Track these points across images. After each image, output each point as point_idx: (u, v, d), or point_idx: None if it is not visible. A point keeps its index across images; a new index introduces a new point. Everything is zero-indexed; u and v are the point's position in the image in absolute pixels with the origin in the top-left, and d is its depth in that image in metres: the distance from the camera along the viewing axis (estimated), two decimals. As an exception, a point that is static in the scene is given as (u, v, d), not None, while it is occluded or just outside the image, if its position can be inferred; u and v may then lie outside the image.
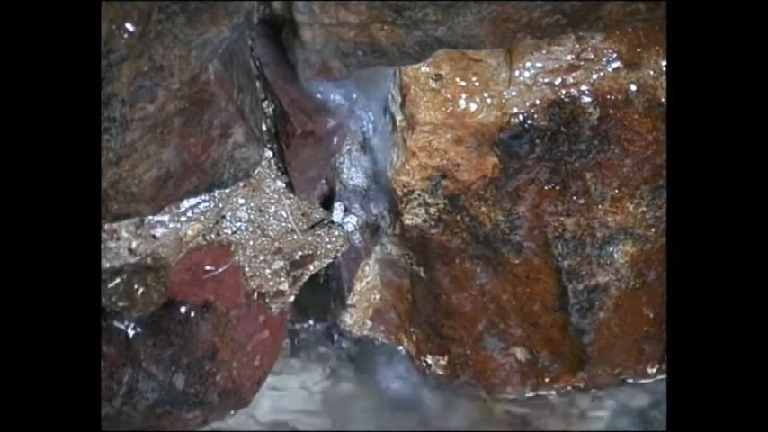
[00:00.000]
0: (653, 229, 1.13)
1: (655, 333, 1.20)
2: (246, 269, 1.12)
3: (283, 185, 1.11)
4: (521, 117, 1.06)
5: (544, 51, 1.05)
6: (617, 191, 1.10)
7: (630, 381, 1.24)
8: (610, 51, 1.05)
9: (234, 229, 1.10)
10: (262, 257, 1.12)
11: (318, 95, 1.07)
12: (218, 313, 1.12)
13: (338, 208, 1.15)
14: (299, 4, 0.94)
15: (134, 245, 1.06)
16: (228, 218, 1.10)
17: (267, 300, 1.14)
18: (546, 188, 1.10)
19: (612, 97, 1.06)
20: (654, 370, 1.24)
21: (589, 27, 1.01)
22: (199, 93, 0.95)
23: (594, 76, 1.06)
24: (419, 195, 1.10)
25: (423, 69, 1.05)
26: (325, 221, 1.14)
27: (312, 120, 1.06)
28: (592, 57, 1.05)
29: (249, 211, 1.10)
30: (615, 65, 1.06)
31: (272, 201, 1.11)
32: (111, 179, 0.95)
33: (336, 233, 1.13)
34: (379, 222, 1.15)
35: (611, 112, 1.07)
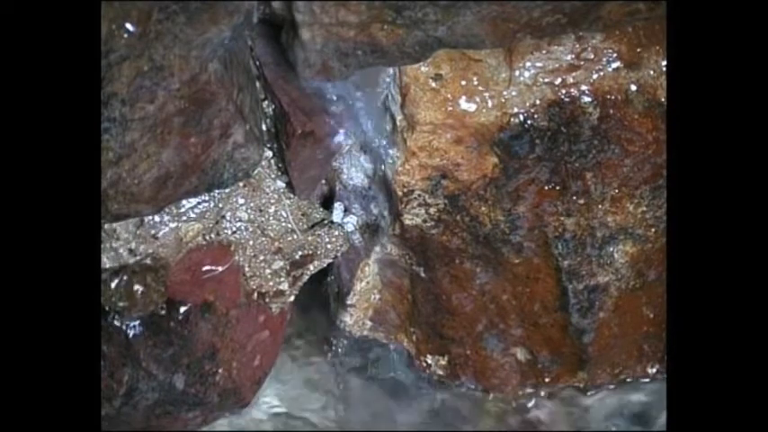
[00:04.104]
0: (653, 229, 1.13)
1: (655, 333, 1.20)
2: (246, 269, 1.12)
3: (283, 185, 1.11)
4: (521, 117, 1.06)
5: (544, 51, 1.05)
6: (617, 191, 1.10)
7: (630, 381, 1.24)
8: (610, 51, 1.05)
9: (234, 229, 1.10)
10: (262, 257, 1.12)
11: (318, 95, 1.07)
12: (218, 313, 1.12)
13: (338, 208, 1.15)
14: (299, 4, 0.94)
15: (134, 245, 1.06)
16: (228, 218, 1.10)
17: (267, 300, 1.14)
18: (546, 188, 1.10)
19: (612, 97, 1.06)
20: (654, 370, 1.24)
21: (589, 27, 1.01)
22: (199, 93, 0.95)
23: (594, 76, 1.06)
24: (419, 195, 1.10)
25: (423, 69, 1.05)
26: (326, 221, 1.14)
27: (312, 120, 1.06)
28: (592, 57, 1.05)
29: (249, 211, 1.10)
30: (615, 65, 1.06)
31: (272, 201, 1.11)
32: (111, 179, 0.95)
33: (336, 233, 1.13)
34: (379, 222, 1.15)
35: (611, 111, 1.07)
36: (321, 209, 1.14)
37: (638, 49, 1.06)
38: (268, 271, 1.13)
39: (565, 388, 1.24)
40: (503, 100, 1.06)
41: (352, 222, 1.16)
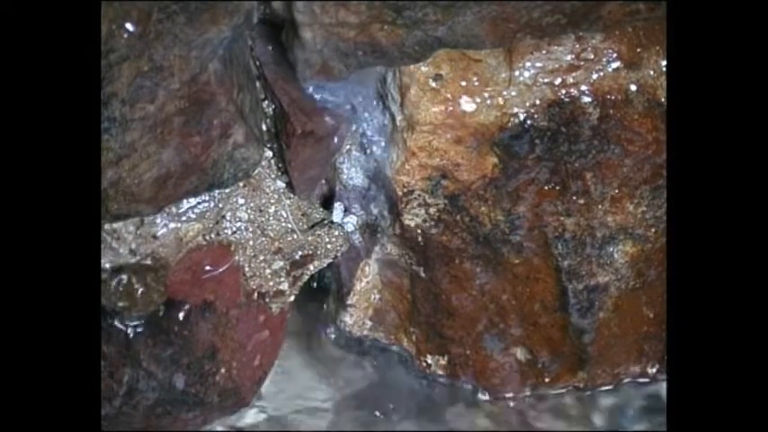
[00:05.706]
0: (653, 229, 1.13)
1: (655, 333, 1.20)
2: (246, 269, 1.12)
3: (283, 185, 1.11)
4: (521, 117, 1.06)
5: (544, 51, 1.05)
6: (617, 191, 1.10)
7: (630, 381, 1.24)
8: (610, 51, 1.05)
9: (234, 229, 1.10)
10: (262, 257, 1.12)
11: (318, 95, 1.07)
12: (218, 313, 1.12)
13: (338, 208, 1.15)
14: (299, 4, 0.94)
15: (134, 245, 1.06)
16: (228, 218, 1.10)
17: (267, 300, 1.14)
18: (546, 188, 1.10)
19: (612, 97, 1.06)
20: (654, 370, 1.24)
21: (589, 27, 1.01)
22: (199, 93, 0.95)
23: (594, 76, 1.06)
24: (419, 195, 1.10)
25: (423, 69, 1.05)
26: (326, 221, 1.14)
27: (312, 120, 1.06)
28: (592, 57, 1.05)
29: (249, 211, 1.10)
30: (615, 65, 1.06)
31: (272, 201, 1.11)
32: (111, 179, 0.95)
33: (336, 233, 1.13)
34: (379, 222, 1.15)
35: (611, 112, 1.07)
36: (321, 209, 1.14)
37: (638, 49, 1.06)
38: (268, 271, 1.13)
39: (565, 388, 1.24)
40: (503, 100, 1.06)
41: (352, 222, 1.16)
